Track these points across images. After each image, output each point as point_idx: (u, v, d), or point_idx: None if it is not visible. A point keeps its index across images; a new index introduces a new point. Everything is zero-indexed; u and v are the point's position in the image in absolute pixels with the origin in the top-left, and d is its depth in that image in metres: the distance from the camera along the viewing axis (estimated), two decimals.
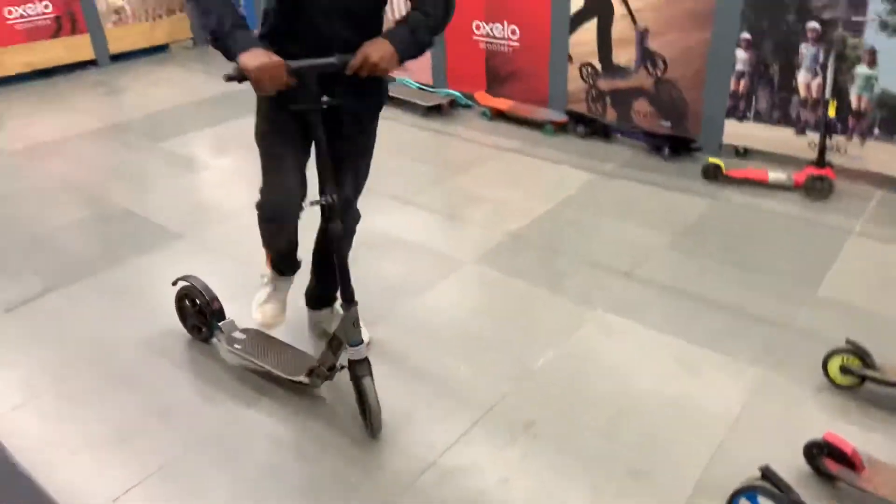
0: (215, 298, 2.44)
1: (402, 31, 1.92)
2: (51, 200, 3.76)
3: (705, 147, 3.99)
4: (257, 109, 2.13)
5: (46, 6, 5.62)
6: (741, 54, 3.78)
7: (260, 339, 2.40)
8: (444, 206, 3.59)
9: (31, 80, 5.62)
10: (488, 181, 3.86)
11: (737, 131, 3.93)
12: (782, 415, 2.15)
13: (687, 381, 2.30)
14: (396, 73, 5.30)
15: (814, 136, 3.63)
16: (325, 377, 2.16)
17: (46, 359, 2.48)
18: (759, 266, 2.94)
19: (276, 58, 1.79)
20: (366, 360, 2.06)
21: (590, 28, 4.27)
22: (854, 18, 3.42)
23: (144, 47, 6.35)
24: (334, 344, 2.08)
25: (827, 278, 2.82)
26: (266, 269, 2.45)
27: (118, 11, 6.08)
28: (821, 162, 3.49)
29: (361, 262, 3.04)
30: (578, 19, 4.31)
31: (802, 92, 3.68)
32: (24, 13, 5.51)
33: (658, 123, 4.18)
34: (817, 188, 3.46)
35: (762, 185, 3.60)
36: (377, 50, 1.85)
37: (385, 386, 2.27)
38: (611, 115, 4.39)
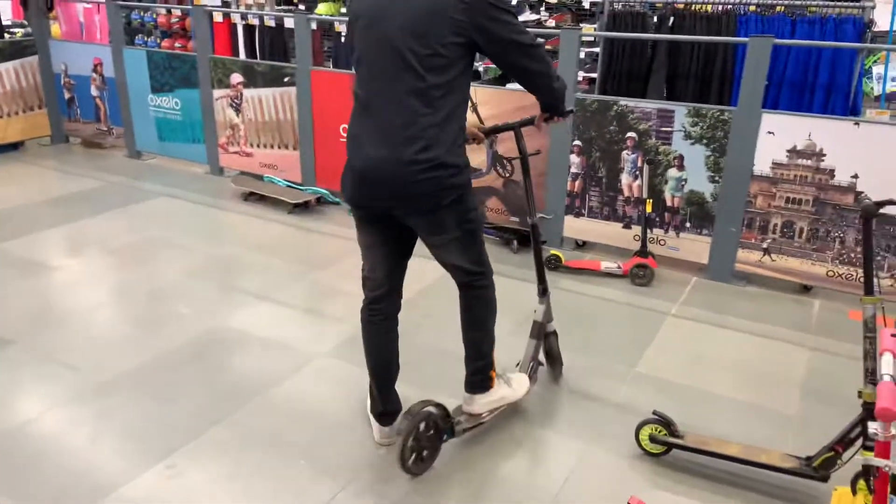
0: None
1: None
2: None
3: (549, 240, 4.36)
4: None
5: None
6: (574, 159, 4.24)
7: None
8: (302, 301, 3.65)
9: None
10: (349, 276, 3.98)
11: (574, 226, 4.34)
12: (600, 484, 2.32)
13: (519, 458, 2.44)
14: (265, 172, 5.44)
15: (638, 230, 4.08)
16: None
17: None
18: (588, 347, 3.20)
19: None
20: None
21: None
22: (664, 129, 3.97)
23: None
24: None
25: (644, 356, 3.12)
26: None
27: None
28: (643, 252, 3.92)
29: (210, 360, 3.04)
30: None
31: (626, 191, 4.15)
32: None
33: (507, 219, 4.53)
34: (640, 275, 3.86)
35: (596, 273, 3.97)
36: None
37: (220, 489, 2.25)
38: None
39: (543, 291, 2.86)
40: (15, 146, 6.33)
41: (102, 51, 6.08)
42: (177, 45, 7.78)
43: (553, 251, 4.08)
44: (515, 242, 4.34)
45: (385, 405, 2.45)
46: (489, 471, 2.37)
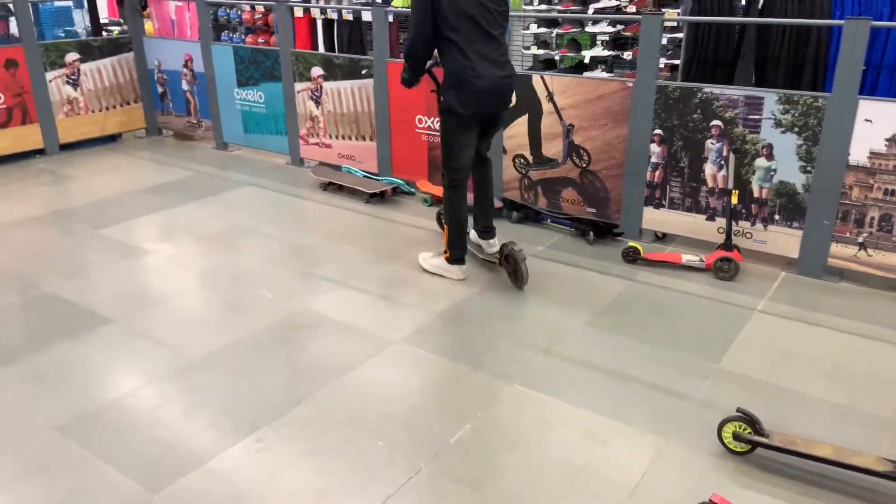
0: None
1: None
2: None
3: (627, 232, 4.27)
4: None
5: None
6: (655, 148, 4.13)
7: None
8: (378, 288, 3.73)
9: None
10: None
11: (654, 217, 4.23)
12: (679, 480, 2.26)
13: (592, 450, 2.42)
14: (343, 162, 5.57)
15: (722, 222, 3.94)
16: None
17: None
18: (669, 342, 3.12)
19: None
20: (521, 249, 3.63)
21: (521, 123, 4.61)
22: (752, 116, 3.81)
23: (95, 136, 6.52)
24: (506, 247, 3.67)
25: (729, 352, 3.01)
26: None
27: (71, 102, 6.29)
28: (728, 245, 3.77)
29: (292, 342, 3.15)
30: (511, 115, 4.66)
31: (710, 182, 4.01)
32: None
33: (584, 210, 4.47)
34: (725, 270, 3.72)
35: (677, 266, 3.86)
36: None
37: (301, 464, 2.33)
38: (542, 203, 4.67)
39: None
40: (113, 138, 6.73)
41: (192, 47, 6.36)
42: (260, 40, 8.05)
43: (631, 243, 3.99)
44: (591, 234, 4.27)
45: (465, 248, 3.81)
46: (564, 461, 2.35)
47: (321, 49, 7.43)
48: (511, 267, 3.66)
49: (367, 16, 6.05)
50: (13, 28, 7.47)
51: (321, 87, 5.54)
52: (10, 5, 6.43)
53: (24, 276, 3.84)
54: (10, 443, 2.47)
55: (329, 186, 5.34)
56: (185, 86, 6.53)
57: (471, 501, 2.18)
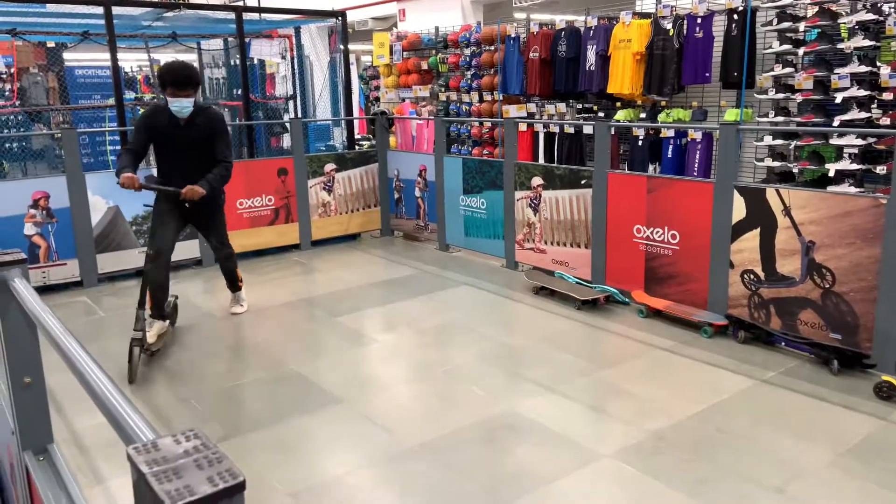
0: None
1: (204, 181, 4.25)
2: (239, 359, 4.36)
3: (880, 364, 3.70)
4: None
5: (270, 199, 6.86)
6: None
7: None
8: (588, 398, 3.62)
9: (246, 257, 6.70)
10: (636, 377, 3.85)
11: None
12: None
13: (742, 450, 2.03)
14: (557, 268, 5.63)
15: None
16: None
17: None
18: None
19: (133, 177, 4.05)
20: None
21: (752, 237, 4.34)
22: None
23: (339, 235, 7.39)
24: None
25: None
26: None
27: (325, 205, 7.23)
28: None
29: (500, 443, 3.15)
30: (740, 229, 4.41)
31: None
32: (251, 204, 6.77)
33: (826, 335, 3.98)
34: None
35: None
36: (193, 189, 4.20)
37: None
38: (774, 324, 4.26)
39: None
40: (354, 237, 7.57)
41: (427, 159, 7.04)
42: (485, 152, 8.67)
43: (886, 377, 3.45)
44: (836, 363, 3.77)
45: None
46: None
47: (541, 160, 7.77)
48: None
49: (587, 129, 6.25)
50: (286, 142, 8.91)
51: (540, 195, 5.76)
52: (287, 124, 7.72)
53: (275, 354, 4.37)
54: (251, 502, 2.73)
55: (541, 291, 5.42)
56: (417, 192, 7.20)
57: None
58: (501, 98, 8.36)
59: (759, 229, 4.31)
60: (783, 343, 4.14)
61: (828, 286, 3.97)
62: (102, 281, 5.91)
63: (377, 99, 11.38)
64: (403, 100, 10.03)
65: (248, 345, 4.60)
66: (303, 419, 3.45)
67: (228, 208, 5.11)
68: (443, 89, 9.32)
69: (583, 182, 5.40)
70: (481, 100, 8.78)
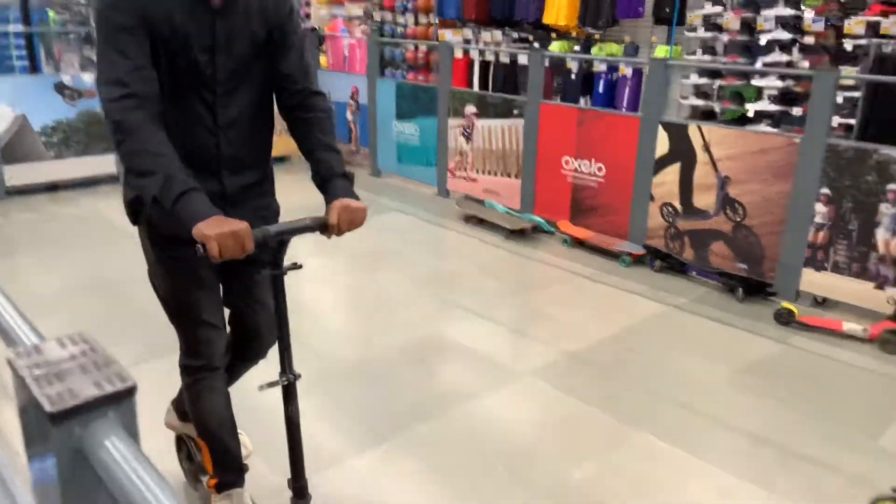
0: None
1: (346, 184, 1.89)
2: None
3: (781, 293, 4.01)
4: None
5: None
6: (820, 208, 3.87)
7: None
8: (512, 321, 3.76)
9: None
10: (558, 302, 4.03)
11: (814, 280, 3.94)
12: None
13: None
14: (487, 197, 5.71)
15: (893, 292, 3.59)
16: None
17: None
18: (821, 411, 2.88)
19: (238, 223, 1.57)
20: None
21: (672, 171, 4.51)
22: None
23: (275, 156, 7.17)
24: None
25: (891, 431, 2.72)
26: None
27: None
28: None
29: (427, 363, 3.26)
30: (662, 163, 4.57)
31: (881, 248, 3.68)
32: None
33: (734, 265, 4.26)
34: (892, 342, 3.38)
35: (835, 334, 3.56)
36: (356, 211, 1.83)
37: (421, 481, 2.39)
38: (688, 254, 4.50)
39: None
40: (282, 159, 7.36)
41: (360, 80, 6.86)
42: (419, 77, 8.51)
43: (785, 304, 3.75)
44: (741, 291, 4.05)
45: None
46: None
47: (476, 88, 7.71)
48: None
49: (522, 59, 6.23)
50: None
51: (473, 123, 5.75)
52: None
53: None
54: None
55: (471, 219, 5.49)
56: (349, 115, 7.04)
57: None
58: (437, 22, 8.16)
59: (679, 164, 4.49)
60: (695, 272, 4.40)
61: (739, 219, 4.21)
62: (11, 194, 5.56)
63: (307, 15, 10.88)
64: (335, 17, 9.63)
65: None
66: None
67: None
68: (376, 8, 9.00)
69: (515, 112, 5.42)
70: (416, 22, 8.54)
